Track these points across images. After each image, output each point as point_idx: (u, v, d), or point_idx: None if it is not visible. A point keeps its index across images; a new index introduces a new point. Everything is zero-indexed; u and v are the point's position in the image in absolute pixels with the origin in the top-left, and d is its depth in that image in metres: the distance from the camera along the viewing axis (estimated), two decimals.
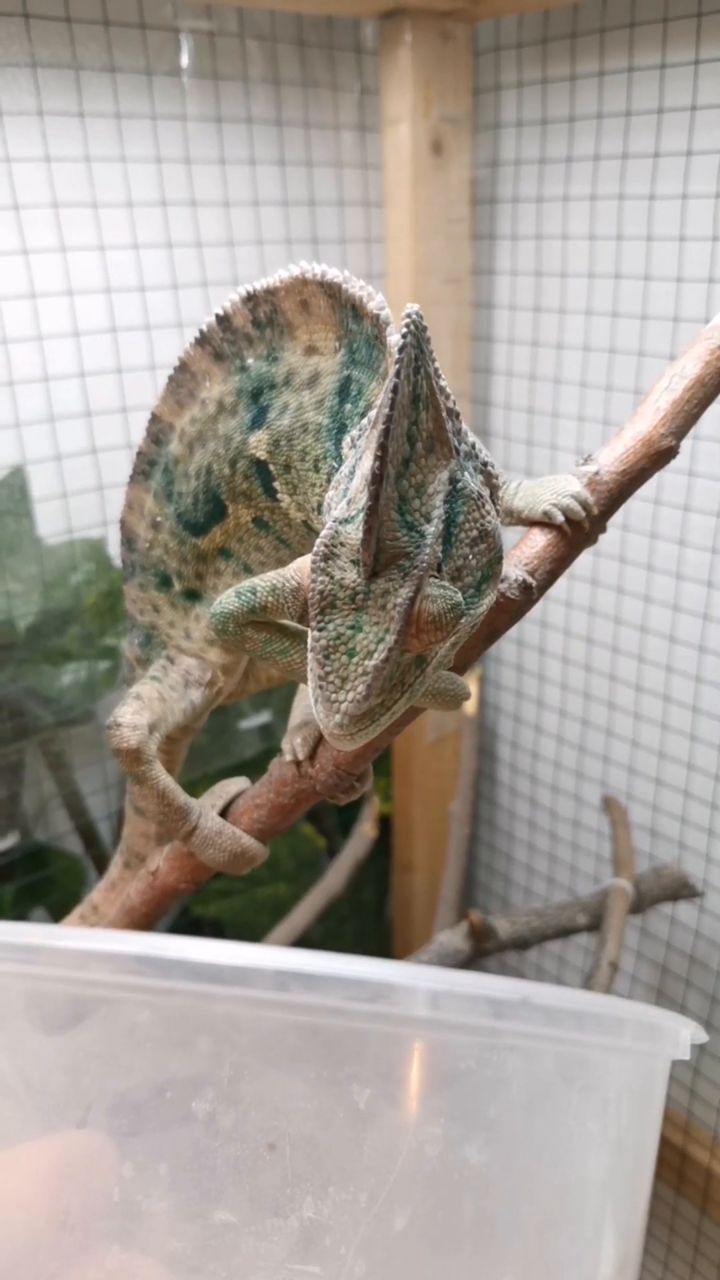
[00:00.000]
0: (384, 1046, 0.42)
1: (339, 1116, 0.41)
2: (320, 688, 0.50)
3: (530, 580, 0.65)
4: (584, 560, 1.42)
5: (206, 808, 0.76)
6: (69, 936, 0.41)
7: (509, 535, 0.69)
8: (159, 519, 0.77)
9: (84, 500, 1.25)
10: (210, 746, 1.45)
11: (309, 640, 0.51)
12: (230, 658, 0.81)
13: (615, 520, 1.34)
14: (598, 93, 1.23)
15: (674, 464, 1.24)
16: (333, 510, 0.55)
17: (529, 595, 0.66)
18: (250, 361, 0.67)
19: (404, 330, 0.48)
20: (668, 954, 1.45)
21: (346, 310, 0.61)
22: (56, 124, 1.12)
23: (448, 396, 0.52)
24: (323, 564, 0.50)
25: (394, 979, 0.39)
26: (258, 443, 0.67)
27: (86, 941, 0.41)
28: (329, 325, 0.63)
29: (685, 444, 1.22)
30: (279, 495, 0.68)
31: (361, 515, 0.49)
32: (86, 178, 1.15)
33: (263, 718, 1.47)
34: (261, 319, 0.66)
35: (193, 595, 0.79)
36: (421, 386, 0.49)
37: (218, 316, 0.68)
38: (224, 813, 0.76)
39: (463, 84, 1.32)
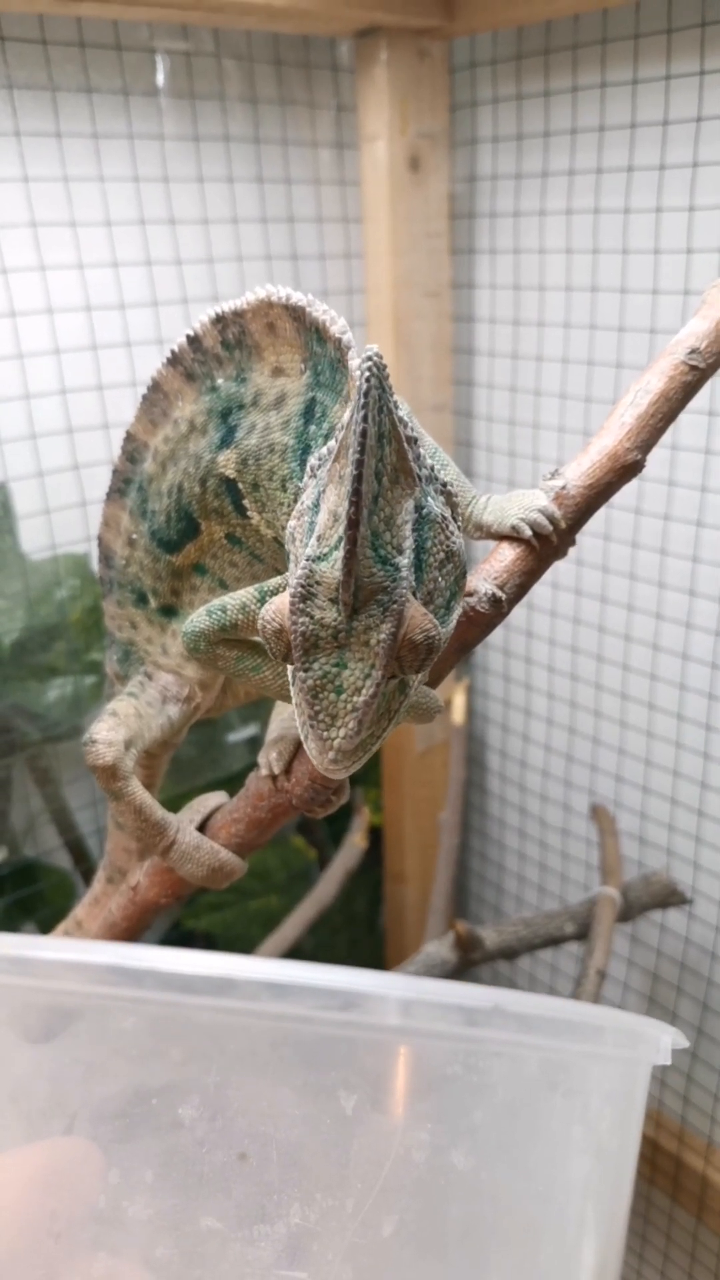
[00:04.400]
0: (370, 1053, 0.43)
1: (325, 1122, 0.42)
2: (311, 726, 0.51)
3: (500, 594, 0.66)
4: (568, 570, 1.44)
5: (184, 822, 0.76)
6: (41, 947, 0.42)
7: (479, 549, 0.70)
8: (134, 536, 0.78)
9: (67, 516, 1.25)
10: (198, 760, 1.45)
11: (295, 680, 0.52)
12: (207, 674, 0.82)
13: (597, 530, 1.36)
14: (572, 108, 1.24)
15: (654, 474, 1.25)
16: (298, 543, 0.55)
17: (499, 609, 0.66)
18: (220, 382, 0.68)
19: (366, 373, 0.48)
20: (659, 961, 1.45)
21: (311, 333, 0.62)
22: (34, 145, 1.13)
23: (406, 425, 0.53)
24: (302, 605, 0.51)
25: (365, 988, 0.40)
26: (226, 461, 0.68)
27: (59, 952, 0.41)
28: (294, 347, 0.64)
29: (665, 454, 1.24)
30: (249, 513, 0.69)
31: (338, 556, 0.50)
32: (65, 197, 1.16)
33: (250, 730, 1.47)
34: (230, 340, 0.67)
35: (169, 611, 0.79)
36: (385, 424, 0.50)
37: (189, 337, 0.69)
38: (202, 827, 0.77)
39: (439, 100, 1.34)
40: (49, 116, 1.13)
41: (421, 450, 0.55)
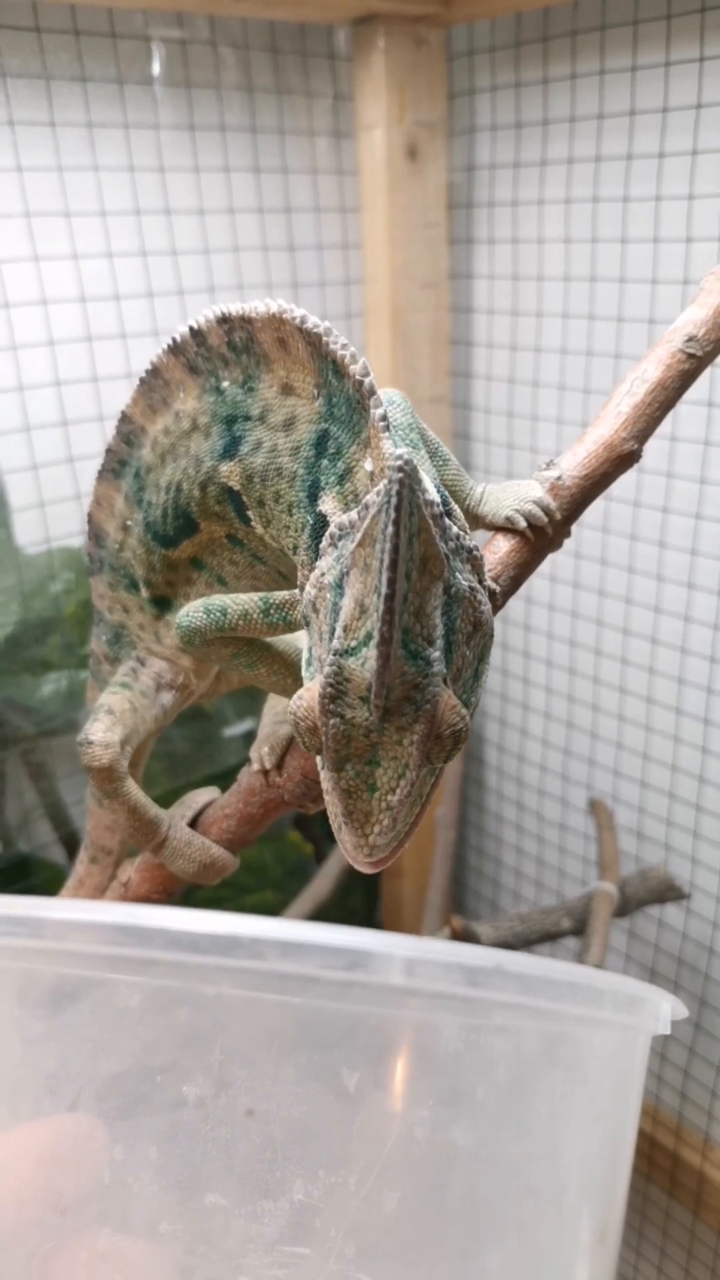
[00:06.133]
0: (372, 1030, 0.43)
1: (328, 1100, 0.42)
2: (346, 824, 0.51)
3: (494, 586, 0.65)
4: (566, 563, 1.43)
5: (176, 819, 0.75)
6: (50, 908, 0.42)
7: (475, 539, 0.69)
8: (129, 523, 0.76)
9: (62, 509, 1.25)
10: (194, 754, 1.45)
11: (328, 777, 0.52)
12: (202, 663, 0.80)
13: (595, 522, 1.35)
14: (570, 96, 1.23)
15: (653, 466, 1.24)
16: (320, 616, 0.54)
17: (493, 601, 0.65)
18: (225, 385, 0.66)
19: (396, 486, 0.47)
20: (656, 957, 1.45)
21: (327, 362, 0.60)
22: (28, 134, 1.12)
23: (432, 505, 0.51)
24: (332, 705, 0.50)
25: (370, 947, 0.40)
26: (230, 472, 0.65)
27: (68, 913, 0.41)
28: (307, 370, 0.61)
29: (664, 446, 1.23)
30: (253, 523, 0.67)
31: (368, 655, 0.49)
32: (59, 187, 1.15)
33: (246, 725, 1.47)
34: (237, 344, 0.65)
35: (161, 603, 0.78)
36: (414, 525, 0.49)
37: (191, 329, 0.66)
38: (194, 823, 0.76)
39: (437, 88, 1.32)
40: (43, 105, 1.12)
41: (447, 521, 0.53)
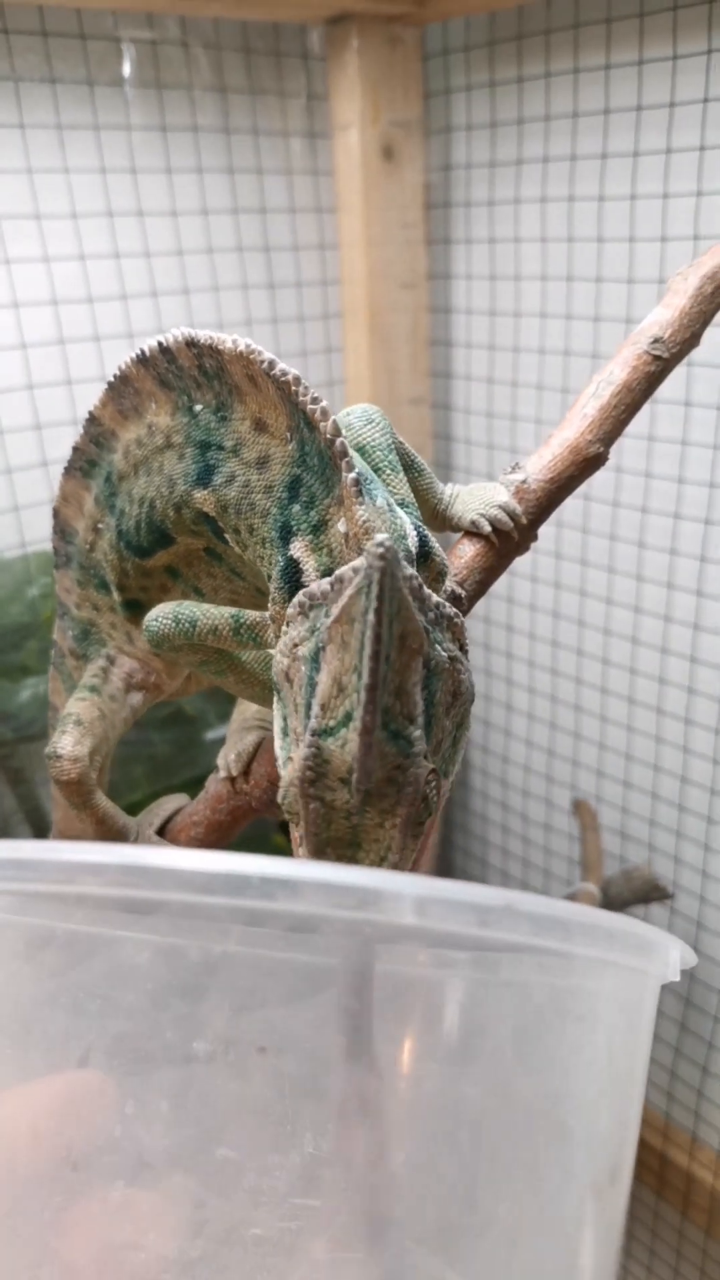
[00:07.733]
0: (381, 986, 0.43)
1: (338, 1055, 0.42)
2: None
3: (460, 591, 0.65)
4: (547, 563, 1.42)
5: (144, 826, 0.75)
6: (55, 850, 0.41)
7: (447, 539, 0.68)
8: (100, 526, 0.74)
9: (37, 513, 1.24)
10: (176, 758, 1.44)
11: (307, 859, 0.50)
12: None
13: (575, 523, 1.34)
14: (545, 95, 1.23)
15: (631, 466, 1.24)
16: (295, 687, 0.53)
17: (459, 606, 0.65)
18: (199, 408, 0.64)
19: (376, 573, 0.46)
20: None
21: (298, 411, 0.58)
22: None
23: (410, 579, 0.50)
24: (311, 789, 0.49)
25: (380, 885, 0.39)
26: (204, 500, 0.64)
27: (74, 854, 0.41)
28: (279, 410, 0.60)
29: (641, 445, 1.22)
30: (230, 544, 0.66)
31: (348, 736, 0.48)
32: (29, 190, 1.14)
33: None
34: (209, 369, 0.63)
35: (134, 606, 0.76)
36: (394, 607, 0.48)
37: (160, 345, 0.65)
38: (162, 830, 0.75)
39: (412, 88, 1.32)
40: (12, 107, 1.11)
41: (425, 591, 0.53)
